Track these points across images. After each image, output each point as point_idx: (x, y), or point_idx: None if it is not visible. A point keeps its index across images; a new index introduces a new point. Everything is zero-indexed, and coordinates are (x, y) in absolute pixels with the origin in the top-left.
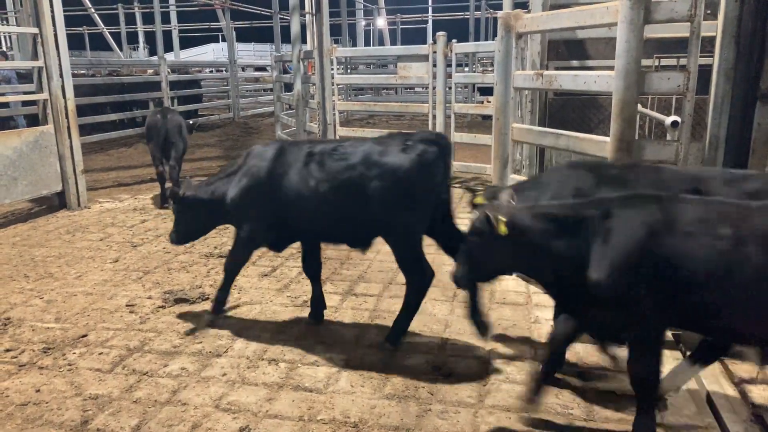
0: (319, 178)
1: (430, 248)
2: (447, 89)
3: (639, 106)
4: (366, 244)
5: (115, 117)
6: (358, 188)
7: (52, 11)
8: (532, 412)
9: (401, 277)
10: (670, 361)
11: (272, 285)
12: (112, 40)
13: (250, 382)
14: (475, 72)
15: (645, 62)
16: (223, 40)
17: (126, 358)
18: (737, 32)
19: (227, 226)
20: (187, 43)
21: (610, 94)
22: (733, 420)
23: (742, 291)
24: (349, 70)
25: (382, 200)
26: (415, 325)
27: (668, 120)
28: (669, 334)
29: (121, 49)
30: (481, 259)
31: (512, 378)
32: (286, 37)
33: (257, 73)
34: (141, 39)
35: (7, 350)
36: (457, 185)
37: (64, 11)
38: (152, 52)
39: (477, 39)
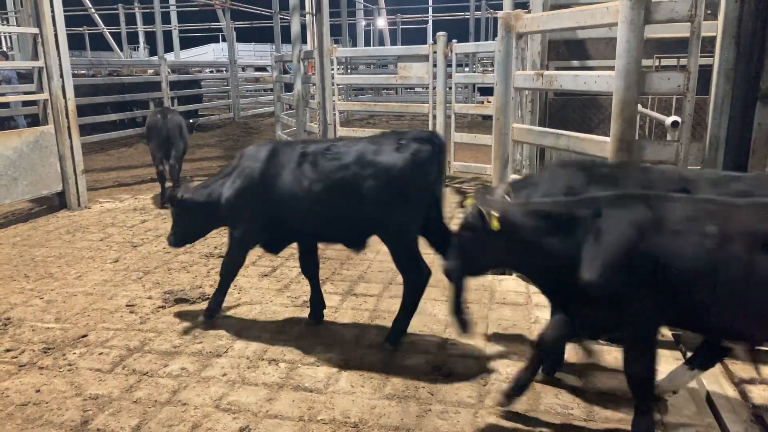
0: (313, 178)
1: (430, 248)
2: (447, 89)
3: (639, 107)
4: (361, 243)
5: (116, 117)
6: (352, 188)
7: (53, 11)
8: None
9: (401, 277)
10: (670, 361)
11: (272, 285)
12: (112, 41)
13: (251, 382)
14: (475, 72)
15: (645, 62)
16: (224, 40)
17: (126, 358)
18: (737, 32)
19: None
20: (187, 43)
21: (610, 95)
22: (733, 420)
23: (732, 288)
24: (349, 70)
25: (376, 199)
26: (415, 325)
27: (668, 120)
28: (669, 335)
29: (121, 50)
30: (473, 254)
31: (512, 378)
32: (286, 37)
33: (257, 73)
34: (141, 39)
35: (8, 350)
36: (457, 185)
37: (65, 11)
38: (152, 52)
39: (477, 39)
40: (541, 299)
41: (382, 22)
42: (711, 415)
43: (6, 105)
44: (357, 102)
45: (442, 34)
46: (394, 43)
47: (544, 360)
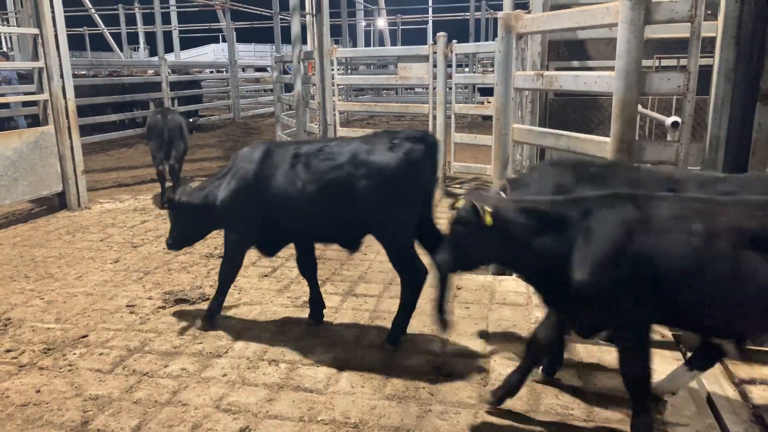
0: (307, 179)
1: (421, 248)
2: (447, 90)
3: (639, 107)
4: (355, 243)
5: (116, 117)
6: (345, 188)
7: (53, 12)
8: (506, 409)
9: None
10: (670, 361)
11: (272, 285)
12: (112, 41)
13: (251, 382)
14: (475, 72)
15: (645, 63)
16: (224, 40)
17: (126, 358)
18: (737, 33)
19: None
20: (187, 43)
21: (610, 95)
22: (733, 421)
23: (719, 284)
24: (349, 71)
25: (369, 199)
26: (415, 325)
27: (668, 120)
28: (669, 335)
29: (121, 50)
30: (465, 248)
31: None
32: (286, 38)
33: (257, 74)
34: (141, 39)
35: (8, 351)
36: (457, 186)
37: (65, 12)
38: (153, 52)
39: (477, 39)
40: None
41: (382, 22)
42: (711, 416)
43: (6, 105)
44: (357, 102)
45: (442, 35)
46: (394, 43)
47: (536, 361)
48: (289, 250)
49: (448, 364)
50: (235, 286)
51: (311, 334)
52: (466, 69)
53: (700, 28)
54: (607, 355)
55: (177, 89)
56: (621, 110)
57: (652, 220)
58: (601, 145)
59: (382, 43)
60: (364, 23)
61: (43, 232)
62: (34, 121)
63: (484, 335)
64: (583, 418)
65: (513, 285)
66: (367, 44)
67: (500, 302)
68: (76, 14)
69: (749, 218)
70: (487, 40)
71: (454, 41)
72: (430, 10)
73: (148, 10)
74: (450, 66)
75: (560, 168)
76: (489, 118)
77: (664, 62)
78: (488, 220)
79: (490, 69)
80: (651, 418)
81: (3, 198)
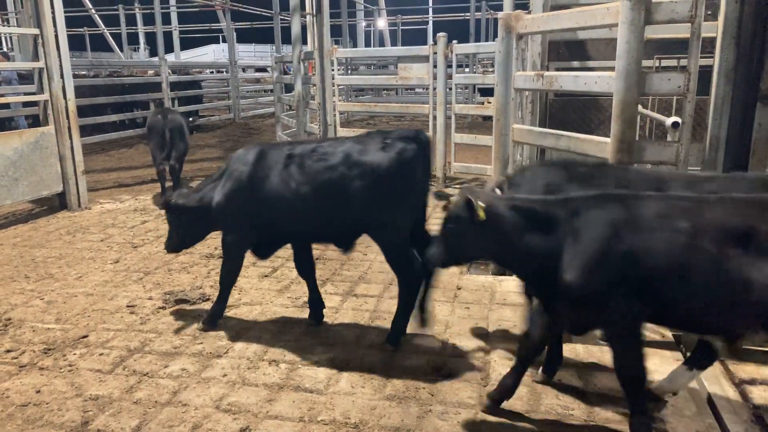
0: (300, 180)
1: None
2: (447, 90)
3: (639, 107)
4: (349, 243)
5: (116, 118)
6: (338, 188)
7: (53, 12)
8: (507, 409)
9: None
10: (671, 362)
11: (272, 286)
12: (112, 41)
13: (251, 382)
14: (475, 73)
15: (646, 63)
16: (224, 41)
17: (126, 358)
18: (737, 33)
19: None
20: (187, 44)
21: (610, 95)
22: (733, 421)
23: (706, 282)
24: (349, 71)
25: (362, 199)
26: (415, 325)
27: (669, 121)
28: (669, 335)
29: (121, 50)
30: (457, 242)
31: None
32: (286, 38)
33: (258, 74)
34: (142, 40)
35: (8, 351)
36: (457, 186)
37: (65, 12)
38: (153, 53)
39: (477, 40)
40: None
41: (382, 22)
42: (711, 416)
43: (7, 106)
44: (357, 103)
45: (442, 35)
46: (394, 43)
47: (529, 362)
48: (290, 251)
49: (448, 364)
50: (236, 286)
51: (311, 335)
52: (467, 69)
53: (700, 29)
54: (607, 355)
55: (177, 89)
56: (621, 110)
57: (639, 219)
58: (601, 146)
59: (382, 44)
60: (364, 23)
61: (44, 232)
62: (35, 122)
63: (484, 335)
64: (584, 418)
65: (513, 285)
66: (368, 44)
67: (500, 302)
68: (77, 14)
69: (733, 216)
70: (487, 40)
71: (455, 41)
72: (431, 10)
73: (149, 11)
74: (450, 66)
75: (550, 168)
76: (489, 118)
77: (665, 62)
78: (481, 215)
79: (491, 69)
80: (649, 417)
81: (3, 198)
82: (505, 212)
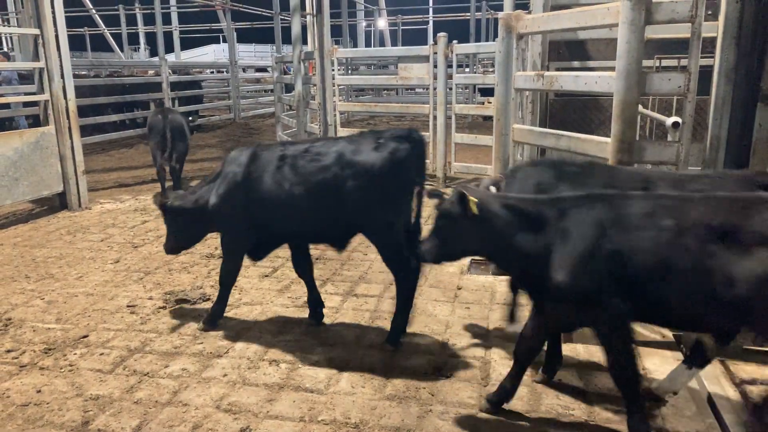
0: (294, 180)
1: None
2: (448, 90)
3: (640, 107)
4: (343, 242)
5: (116, 118)
6: (331, 188)
7: (53, 12)
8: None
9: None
10: (671, 362)
11: (273, 286)
12: (113, 41)
13: (251, 382)
14: (475, 73)
15: (646, 63)
16: (224, 41)
17: (127, 358)
18: (738, 33)
19: None
20: (188, 44)
21: (611, 95)
22: (733, 421)
23: (691, 280)
24: (349, 71)
25: (356, 199)
26: (416, 325)
27: (669, 121)
28: (670, 335)
29: (122, 50)
30: (450, 237)
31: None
32: (287, 38)
33: (258, 74)
34: (142, 40)
35: (8, 351)
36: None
37: (65, 12)
38: (153, 53)
39: (478, 40)
40: None
41: (382, 22)
42: (712, 416)
43: (7, 106)
44: (357, 103)
45: (442, 35)
46: (394, 43)
47: (527, 363)
48: (290, 251)
49: (448, 364)
50: (236, 287)
51: (312, 335)
52: (467, 69)
53: (700, 29)
54: None
55: (177, 89)
56: (622, 110)
57: (625, 218)
58: (601, 146)
59: (382, 44)
60: (364, 23)
61: (44, 232)
62: (35, 122)
63: (484, 335)
64: (584, 418)
65: None
66: (368, 45)
67: (501, 302)
68: (77, 15)
69: (718, 215)
70: (487, 40)
71: (455, 41)
72: (431, 10)
73: (149, 11)
74: (450, 66)
75: (541, 168)
76: (489, 118)
77: (665, 62)
78: (474, 209)
79: (491, 69)
80: (645, 415)
81: (4, 198)
82: (497, 209)
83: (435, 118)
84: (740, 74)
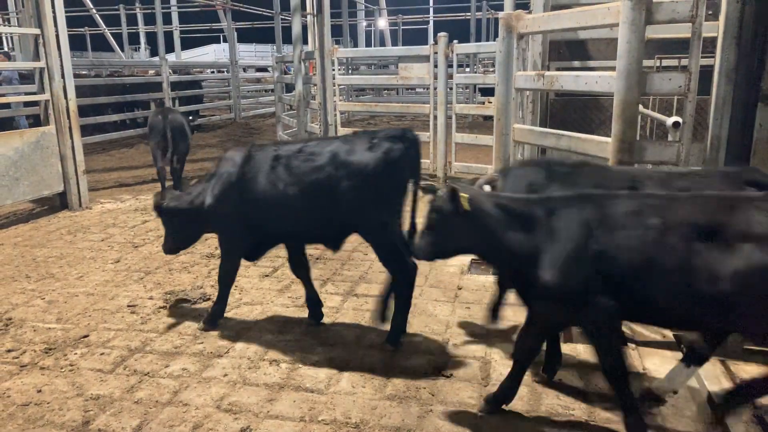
0: (288, 180)
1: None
2: (448, 90)
3: (640, 107)
4: (338, 242)
5: (117, 118)
6: (325, 188)
7: (54, 12)
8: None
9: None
10: (671, 361)
11: (273, 286)
12: (113, 41)
13: (251, 382)
14: (476, 73)
15: (646, 63)
16: (225, 40)
17: (127, 358)
18: (738, 33)
19: None
20: (188, 43)
21: (611, 95)
22: (734, 421)
23: (677, 278)
24: (350, 71)
25: (350, 199)
26: (416, 325)
27: (670, 121)
28: (670, 335)
29: (122, 50)
30: (442, 234)
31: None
32: (287, 38)
33: (258, 74)
34: (142, 40)
35: (9, 350)
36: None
37: (66, 12)
38: (154, 52)
39: (478, 40)
40: None
41: (383, 22)
42: (712, 416)
43: (7, 105)
44: (358, 102)
45: (443, 35)
46: (395, 43)
47: (526, 363)
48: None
49: (449, 365)
50: (236, 286)
51: (312, 334)
52: (467, 69)
53: (701, 29)
54: None
55: (178, 89)
56: (622, 110)
57: (612, 218)
58: (602, 146)
59: (382, 44)
60: (365, 23)
61: (45, 232)
62: (36, 121)
63: (484, 335)
64: (584, 418)
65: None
66: (368, 44)
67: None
68: (78, 14)
69: (704, 214)
70: (488, 40)
71: (455, 41)
72: (431, 10)
73: (149, 11)
74: (451, 66)
75: (532, 168)
76: (490, 118)
77: (665, 62)
78: (465, 205)
79: (491, 69)
80: (640, 413)
81: (4, 198)
82: (489, 207)
83: (435, 117)
84: (741, 74)
